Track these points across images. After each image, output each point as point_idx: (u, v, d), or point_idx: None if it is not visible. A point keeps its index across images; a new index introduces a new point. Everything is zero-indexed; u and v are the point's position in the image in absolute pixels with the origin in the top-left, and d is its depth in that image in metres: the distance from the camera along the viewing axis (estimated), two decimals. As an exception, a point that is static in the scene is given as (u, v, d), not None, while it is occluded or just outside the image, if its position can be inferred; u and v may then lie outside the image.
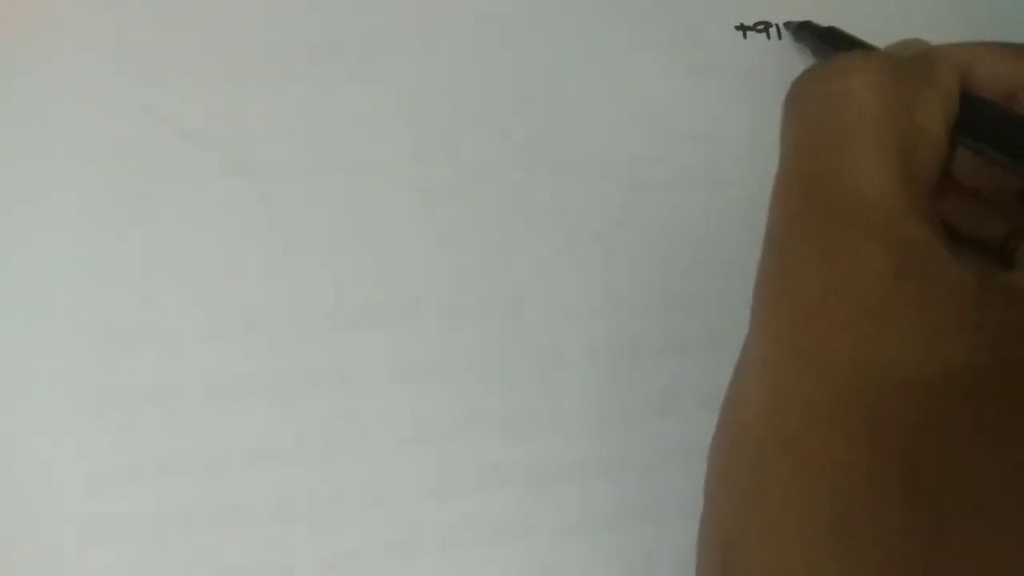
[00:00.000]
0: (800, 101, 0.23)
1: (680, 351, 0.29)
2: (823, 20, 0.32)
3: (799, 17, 0.32)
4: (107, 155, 0.27)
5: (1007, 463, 0.18)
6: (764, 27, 0.33)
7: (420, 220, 0.28)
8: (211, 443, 0.26)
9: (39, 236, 0.26)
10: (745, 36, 0.32)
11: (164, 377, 0.26)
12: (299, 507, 0.27)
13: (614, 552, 0.28)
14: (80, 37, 0.27)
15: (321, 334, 0.27)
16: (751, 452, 0.21)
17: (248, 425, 0.27)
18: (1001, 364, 0.19)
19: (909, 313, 0.19)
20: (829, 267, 0.20)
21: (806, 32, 0.32)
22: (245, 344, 0.27)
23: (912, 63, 0.24)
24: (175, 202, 0.27)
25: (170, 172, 0.27)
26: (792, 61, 0.32)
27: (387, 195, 0.28)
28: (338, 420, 0.27)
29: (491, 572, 0.27)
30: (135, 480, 0.26)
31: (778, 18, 0.33)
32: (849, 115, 0.22)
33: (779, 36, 0.33)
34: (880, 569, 0.18)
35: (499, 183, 0.29)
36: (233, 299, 0.27)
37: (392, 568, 0.27)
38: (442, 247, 0.28)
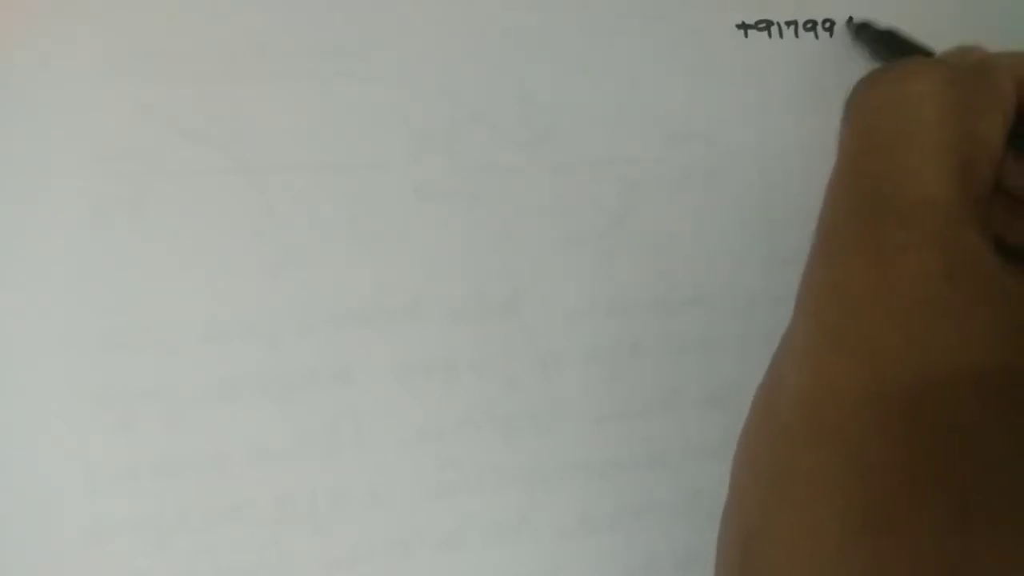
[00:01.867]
0: (861, 103, 0.24)
1: (680, 351, 0.29)
2: (835, 16, 0.32)
3: (803, 16, 0.32)
4: (107, 155, 0.27)
5: None
6: (766, 25, 0.33)
7: (420, 220, 0.28)
8: (211, 443, 0.26)
9: (39, 236, 0.26)
10: (747, 35, 0.32)
11: (164, 377, 0.26)
12: (299, 507, 0.27)
13: (614, 552, 0.28)
14: (80, 37, 0.27)
15: (321, 334, 0.27)
16: (783, 440, 0.21)
17: (248, 425, 0.27)
18: None
19: (956, 316, 0.20)
20: (882, 264, 0.21)
21: (865, 33, 0.32)
22: (245, 344, 0.27)
23: (973, 71, 0.24)
24: (175, 202, 0.27)
25: (170, 172, 0.27)
26: (794, 60, 0.32)
27: (387, 195, 0.28)
28: (338, 420, 0.27)
29: (491, 572, 0.27)
30: (135, 480, 0.26)
31: (780, 16, 0.32)
32: (910, 120, 0.22)
33: (780, 35, 0.32)
34: (911, 567, 0.18)
35: (499, 183, 0.29)
36: (233, 299, 0.27)
37: (392, 568, 0.27)
38: (442, 247, 0.28)
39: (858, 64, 0.32)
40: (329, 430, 0.27)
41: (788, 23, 0.33)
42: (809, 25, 0.33)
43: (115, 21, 0.27)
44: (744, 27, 0.32)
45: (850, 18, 0.32)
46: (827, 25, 0.33)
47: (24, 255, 0.26)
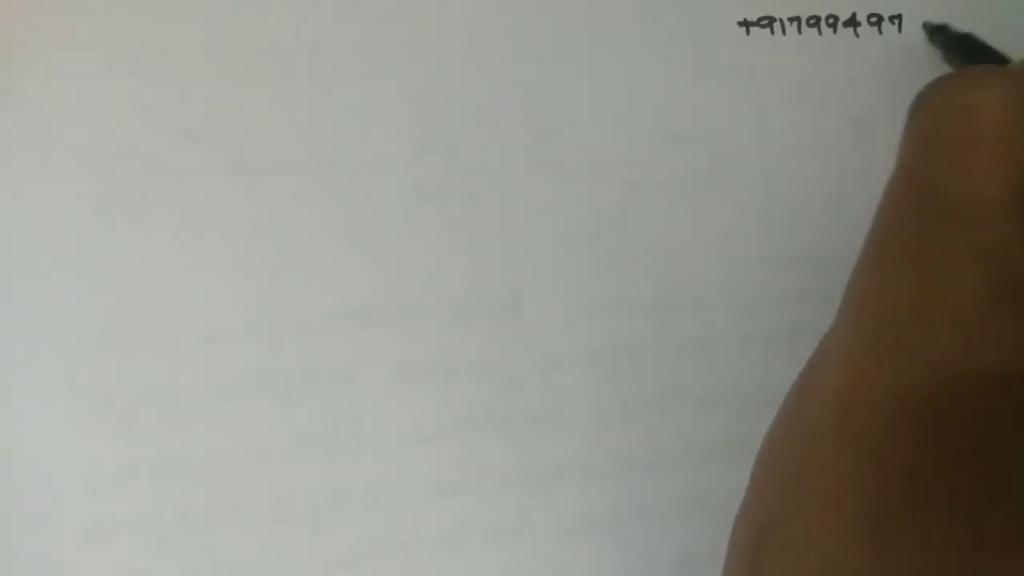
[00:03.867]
0: (927, 109, 0.23)
1: (680, 351, 0.29)
2: (838, 12, 0.32)
3: (807, 13, 0.32)
4: (107, 155, 0.27)
5: None
6: (768, 22, 0.32)
7: (420, 220, 0.28)
8: (211, 443, 0.26)
9: (39, 236, 0.26)
10: (748, 32, 0.32)
11: (164, 377, 0.26)
12: (299, 507, 0.27)
13: (614, 552, 0.28)
14: (80, 37, 0.27)
15: (321, 334, 0.27)
16: (809, 436, 0.21)
17: (248, 425, 0.27)
18: None
19: (996, 335, 0.20)
20: (929, 274, 0.21)
21: (940, 36, 0.31)
22: (245, 344, 0.27)
23: None
24: (175, 202, 0.27)
25: (170, 172, 0.27)
26: (798, 58, 0.32)
27: (387, 195, 0.28)
28: (338, 420, 0.27)
29: (491, 572, 0.28)
30: (135, 480, 0.26)
31: (783, 13, 0.32)
32: (973, 129, 0.22)
33: (783, 32, 0.32)
34: (916, 571, 0.18)
35: (499, 183, 0.29)
36: (233, 299, 0.27)
37: (392, 568, 0.27)
38: (442, 247, 0.28)
39: (860, 62, 0.32)
40: (329, 430, 0.27)
41: (791, 19, 0.32)
42: (812, 22, 0.32)
43: (115, 21, 0.27)
44: (746, 24, 0.32)
45: (926, 22, 0.32)
46: (830, 22, 0.32)
47: (24, 255, 0.26)
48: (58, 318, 0.26)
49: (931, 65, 0.32)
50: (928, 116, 0.23)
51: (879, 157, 0.24)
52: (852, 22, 0.33)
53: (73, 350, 0.26)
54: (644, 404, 0.29)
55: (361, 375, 0.28)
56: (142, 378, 0.26)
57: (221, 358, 0.27)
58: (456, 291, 0.28)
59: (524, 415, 0.28)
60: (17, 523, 0.25)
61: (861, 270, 0.22)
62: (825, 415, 0.21)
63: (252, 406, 0.27)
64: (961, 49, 0.31)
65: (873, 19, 0.33)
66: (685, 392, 0.29)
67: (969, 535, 0.18)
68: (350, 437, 0.27)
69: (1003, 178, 0.21)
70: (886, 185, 0.23)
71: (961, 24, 0.32)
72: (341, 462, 0.27)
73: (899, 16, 0.33)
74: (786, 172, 0.31)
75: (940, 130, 0.22)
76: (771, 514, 0.21)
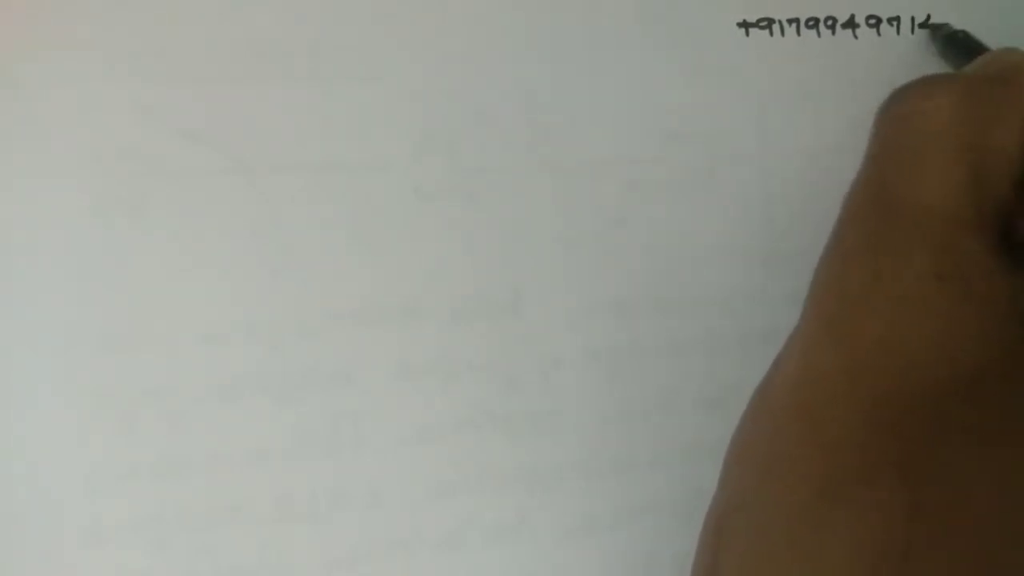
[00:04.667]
0: (885, 116, 0.25)
1: (680, 351, 0.29)
2: (837, 14, 0.32)
3: (806, 14, 0.32)
4: (107, 155, 0.27)
5: (994, 463, 0.19)
6: (767, 24, 0.32)
7: (420, 220, 0.28)
8: (211, 443, 0.26)
9: (39, 236, 0.26)
10: (748, 33, 0.32)
11: (164, 377, 0.26)
12: (299, 507, 0.27)
13: (614, 552, 0.28)
14: (80, 37, 0.27)
15: (321, 334, 0.27)
16: (770, 422, 0.22)
17: (248, 425, 0.27)
18: (1005, 377, 0.20)
19: (941, 315, 0.21)
20: (878, 261, 0.22)
21: (938, 34, 0.32)
22: (245, 344, 0.27)
23: (993, 80, 0.25)
24: (175, 202, 0.27)
25: (170, 172, 0.27)
26: (797, 59, 0.32)
27: (387, 195, 0.28)
28: (338, 420, 0.27)
29: (491, 572, 0.28)
30: (135, 480, 0.26)
31: (782, 15, 0.32)
32: (922, 134, 0.23)
33: (782, 33, 0.32)
34: (857, 543, 0.19)
35: (499, 183, 0.29)
36: (233, 299, 0.27)
37: (392, 568, 0.27)
38: (442, 247, 0.28)
39: (859, 63, 0.32)
40: (329, 430, 0.27)
41: (790, 21, 0.32)
42: (811, 23, 0.32)
43: (115, 21, 0.27)
44: (745, 25, 0.32)
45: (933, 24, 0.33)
46: (829, 23, 0.32)
47: (24, 255, 0.26)
48: (58, 318, 0.26)
49: (929, 66, 0.32)
50: (886, 123, 0.25)
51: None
52: (851, 24, 0.33)
53: (73, 350, 0.26)
54: (644, 404, 0.29)
55: (361, 375, 0.28)
56: (142, 378, 0.26)
57: (221, 358, 0.27)
58: (456, 291, 0.28)
59: (524, 415, 0.28)
60: (17, 523, 0.25)
61: (822, 261, 0.24)
62: (783, 403, 0.22)
63: (252, 406, 0.27)
64: (956, 48, 0.31)
65: (871, 21, 0.33)
66: (685, 392, 0.29)
67: (907, 507, 0.19)
68: (350, 437, 0.27)
69: (948, 174, 0.23)
70: (850, 187, 0.24)
71: (961, 24, 0.32)
72: (341, 462, 0.27)
73: (897, 18, 0.33)
74: (786, 172, 0.31)
75: (895, 136, 0.24)
76: (730, 502, 0.22)
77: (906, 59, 0.32)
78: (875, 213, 0.23)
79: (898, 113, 0.24)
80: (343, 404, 0.27)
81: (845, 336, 0.22)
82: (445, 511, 0.27)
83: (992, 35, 0.31)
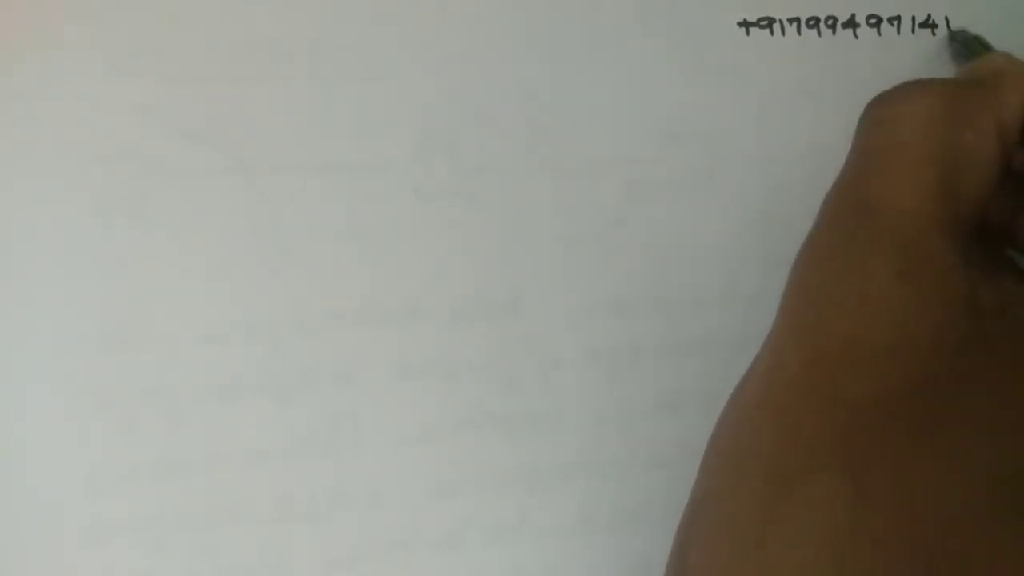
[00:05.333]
0: (864, 121, 0.25)
1: (680, 351, 0.29)
2: (838, 13, 0.32)
3: (807, 14, 0.32)
4: (107, 155, 0.27)
5: (934, 451, 0.19)
6: (768, 23, 0.32)
7: (420, 220, 0.28)
8: (211, 443, 0.26)
9: (39, 236, 0.26)
10: (748, 33, 0.32)
11: (164, 377, 0.26)
12: (299, 507, 0.27)
13: (614, 552, 0.28)
14: (80, 37, 0.27)
15: (321, 334, 0.27)
16: (738, 420, 0.23)
17: (248, 425, 0.27)
18: (954, 371, 0.21)
19: (900, 312, 0.21)
20: (845, 261, 0.23)
21: (955, 38, 0.32)
22: (245, 344, 0.27)
23: (974, 85, 0.25)
24: (175, 202, 0.27)
25: (170, 172, 0.27)
26: (798, 59, 0.32)
27: (387, 195, 0.28)
28: (338, 420, 0.27)
29: (491, 572, 0.27)
30: (135, 480, 0.26)
31: (782, 14, 0.32)
32: (895, 138, 0.24)
33: (782, 32, 0.32)
34: (806, 531, 0.19)
35: (499, 183, 0.29)
36: (233, 299, 0.27)
37: (392, 568, 0.27)
38: (442, 247, 0.28)
39: (859, 63, 0.32)
40: (329, 430, 0.27)
41: (790, 20, 0.32)
42: (812, 23, 0.32)
43: (115, 21, 0.27)
44: (746, 24, 0.32)
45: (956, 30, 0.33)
46: (830, 22, 0.32)
47: (24, 255, 0.26)
48: (58, 318, 0.26)
49: (929, 66, 0.32)
50: (864, 128, 0.25)
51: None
52: (851, 23, 0.33)
53: (73, 350, 0.26)
54: (644, 404, 0.29)
55: (361, 375, 0.27)
56: (142, 378, 0.26)
57: (221, 358, 0.27)
58: (456, 291, 0.28)
59: (524, 415, 0.28)
60: (17, 523, 0.25)
61: (795, 262, 0.24)
62: (749, 399, 0.22)
63: (252, 406, 0.27)
64: (971, 53, 0.31)
65: (872, 20, 0.33)
66: (685, 392, 0.29)
67: (851, 496, 0.19)
68: (350, 437, 0.27)
69: (917, 177, 0.23)
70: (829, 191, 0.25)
71: (960, 24, 0.32)
72: (341, 462, 0.27)
73: (898, 17, 0.33)
74: (786, 172, 0.31)
75: (870, 142, 0.25)
76: (696, 497, 0.22)
77: (907, 59, 0.32)
78: (845, 215, 0.24)
79: (874, 118, 0.25)
80: (343, 404, 0.27)
81: (810, 334, 0.22)
82: (445, 511, 0.27)
83: (992, 35, 0.31)
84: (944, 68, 0.32)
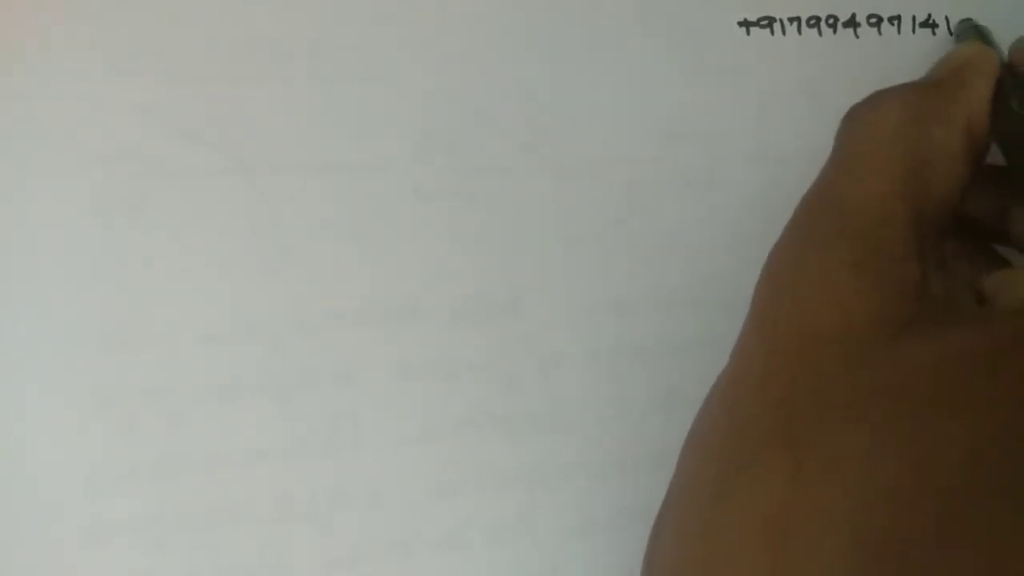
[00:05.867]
0: (843, 125, 0.26)
1: (680, 351, 0.29)
2: (838, 12, 0.32)
3: (807, 13, 0.32)
4: (107, 155, 0.27)
5: (866, 434, 0.20)
6: (768, 23, 0.32)
7: (420, 220, 0.28)
8: (211, 443, 0.26)
9: (38, 236, 0.26)
10: (748, 32, 0.32)
11: (164, 377, 0.26)
12: (299, 507, 0.27)
13: (614, 552, 0.28)
14: (80, 37, 0.27)
15: (321, 334, 0.27)
16: (704, 411, 0.23)
17: (248, 425, 0.27)
18: (894, 356, 0.21)
19: (849, 300, 0.22)
20: (806, 254, 0.23)
21: (960, 29, 0.32)
22: (245, 344, 0.27)
23: (941, 81, 0.27)
24: (175, 202, 0.27)
25: (170, 172, 0.27)
26: (798, 59, 0.32)
27: (387, 195, 0.28)
28: (338, 420, 0.27)
29: (491, 572, 0.28)
30: (135, 480, 0.26)
31: (783, 13, 0.32)
32: (866, 142, 0.25)
33: (783, 32, 0.32)
34: (750, 512, 0.20)
35: (499, 183, 0.29)
36: (233, 299, 0.27)
37: (392, 568, 0.27)
38: (442, 247, 0.28)
39: (860, 63, 0.32)
40: (329, 430, 0.27)
41: (791, 20, 0.32)
42: (812, 22, 0.32)
43: (115, 21, 0.27)
44: (746, 24, 0.32)
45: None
46: (830, 22, 0.32)
47: (24, 255, 0.26)
48: (58, 318, 0.26)
49: (928, 67, 0.32)
50: (842, 132, 0.26)
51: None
52: (852, 23, 0.33)
53: (73, 350, 0.26)
54: (644, 404, 0.29)
55: (361, 375, 0.28)
56: (142, 378, 0.26)
57: (221, 358, 0.27)
58: (456, 291, 0.28)
59: (524, 415, 0.28)
60: (17, 523, 0.25)
61: (766, 259, 0.24)
62: (715, 392, 0.23)
63: (252, 406, 0.27)
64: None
65: (873, 20, 0.33)
66: (685, 392, 0.29)
67: (790, 474, 0.20)
68: (350, 437, 0.27)
69: (883, 175, 0.24)
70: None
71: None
72: (341, 462, 0.27)
73: (898, 17, 0.33)
74: (786, 172, 0.31)
75: (845, 143, 0.25)
76: (663, 506, 0.23)
77: (907, 59, 0.32)
78: (812, 214, 0.24)
79: (848, 125, 0.26)
80: (343, 404, 0.27)
81: (768, 325, 0.23)
82: (445, 511, 0.27)
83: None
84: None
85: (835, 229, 0.23)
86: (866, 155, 0.24)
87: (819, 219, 0.24)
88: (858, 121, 0.25)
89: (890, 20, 0.33)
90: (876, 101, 0.26)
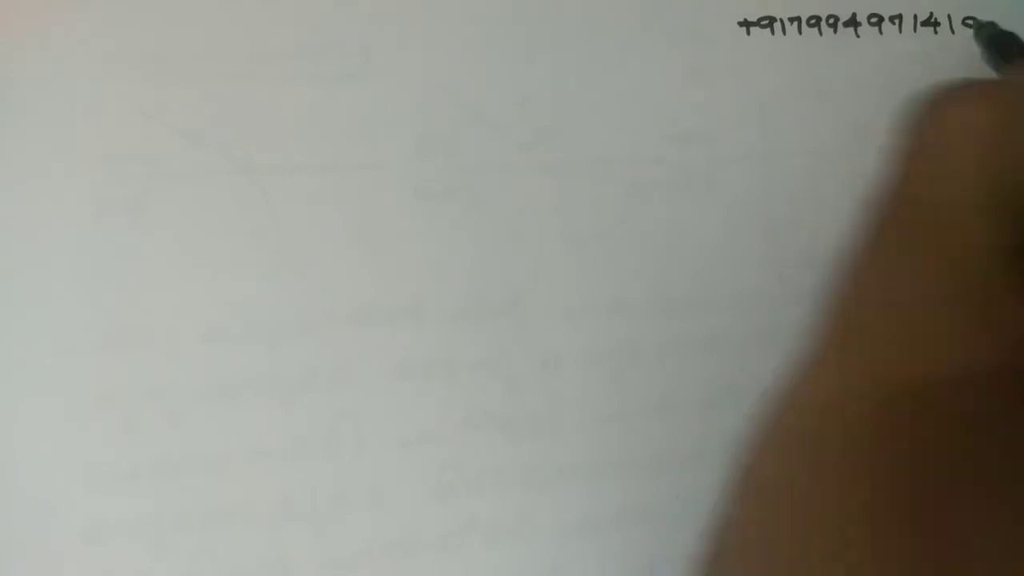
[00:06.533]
0: (916, 123, 0.24)
1: (680, 351, 0.29)
2: (839, 12, 0.32)
3: (807, 13, 0.32)
4: (108, 156, 0.27)
5: (1001, 512, 0.18)
6: (768, 23, 0.32)
7: (420, 220, 0.28)
8: (211, 443, 0.26)
9: (39, 236, 0.26)
10: (749, 32, 0.32)
11: (164, 377, 0.26)
12: (299, 507, 0.27)
13: (614, 552, 0.28)
14: (80, 37, 0.27)
15: (321, 334, 0.27)
16: (760, 443, 0.21)
17: (248, 425, 0.27)
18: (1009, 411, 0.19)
19: (952, 337, 0.20)
20: (894, 282, 0.21)
21: (983, 33, 0.31)
22: (245, 344, 0.27)
23: None
24: (176, 203, 0.27)
25: (171, 173, 0.27)
26: (798, 59, 0.32)
27: (387, 195, 0.28)
28: (338, 420, 0.27)
29: (491, 573, 0.27)
30: (135, 480, 0.26)
31: (783, 13, 0.32)
32: (953, 147, 0.22)
33: (783, 32, 0.32)
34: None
35: (499, 183, 0.29)
36: (233, 299, 0.27)
37: (392, 568, 0.27)
38: (442, 247, 0.28)
39: (860, 63, 0.32)
40: (329, 430, 0.27)
41: (791, 20, 0.32)
42: (812, 22, 0.32)
43: (115, 21, 0.28)
44: (746, 24, 0.32)
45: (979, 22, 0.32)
46: (831, 21, 0.32)
47: (25, 255, 0.26)
48: (58, 318, 0.26)
49: (930, 66, 0.32)
50: (916, 131, 0.23)
51: (878, 158, 0.24)
52: (852, 22, 0.33)
53: (73, 350, 0.26)
54: (644, 404, 0.29)
55: (361, 375, 0.27)
56: (142, 378, 0.26)
57: (221, 358, 0.27)
58: (456, 291, 0.28)
59: (524, 415, 0.28)
60: (17, 523, 0.25)
61: (835, 283, 0.23)
62: (803, 429, 0.21)
63: (252, 406, 0.27)
64: (1000, 50, 0.30)
65: (873, 19, 0.33)
66: (685, 392, 0.29)
67: (915, 556, 0.18)
68: (350, 437, 0.27)
69: (973, 190, 0.21)
70: (872, 194, 0.23)
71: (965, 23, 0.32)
72: (341, 462, 0.27)
73: (899, 16, 0.33)
74: (786, 172, 0.31)
75: (922, 148, 0.23)
76: (721, 521, 0.21)
77: (908, 58, 0.32)
78: (895, 227, 0.22)
79: (931, 120, 0.23)
80: (343, 404, 0.27)
81: (848, 359, 0.21)
82: (445, 512, 0.27)
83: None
84: (946, 66, 0.32)
85: (926, 254, 0.21)
86: (949, 166, 0.22)
87: (904, 236, 0.22)
88: (944, 116, 0.23)
89: (891, 19, 0.33)
90: (952, 99, 0.23)
